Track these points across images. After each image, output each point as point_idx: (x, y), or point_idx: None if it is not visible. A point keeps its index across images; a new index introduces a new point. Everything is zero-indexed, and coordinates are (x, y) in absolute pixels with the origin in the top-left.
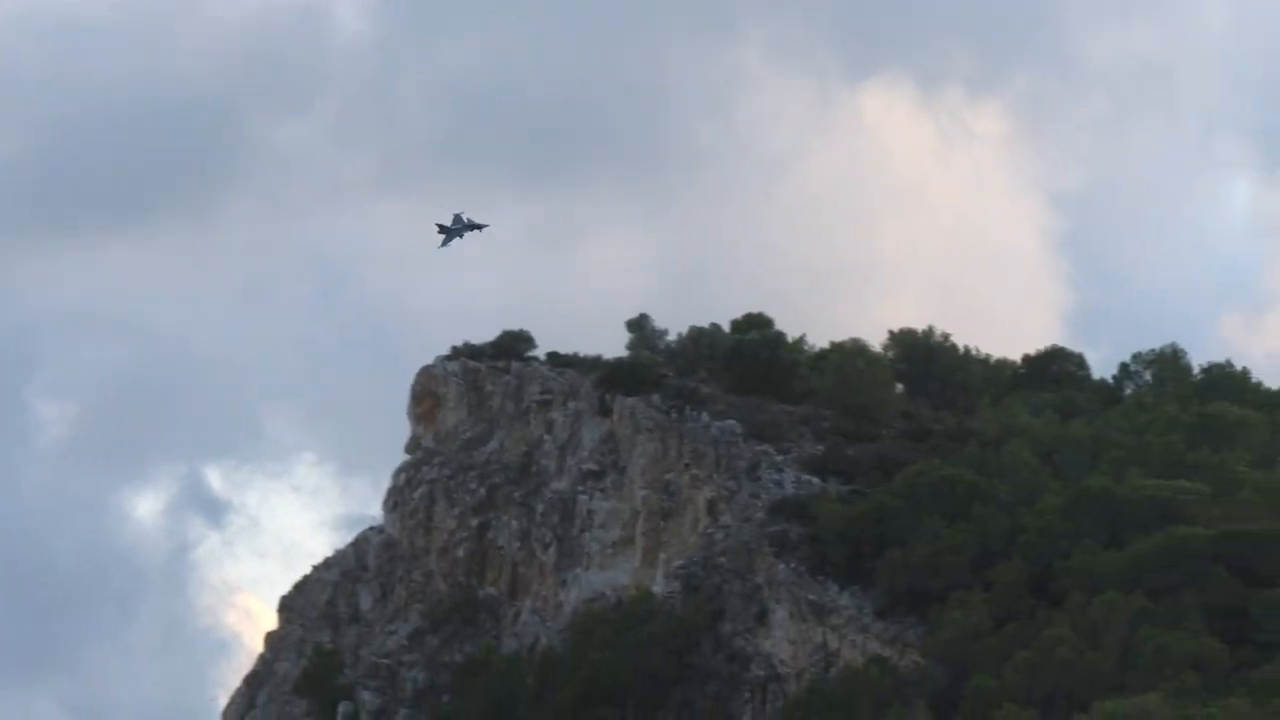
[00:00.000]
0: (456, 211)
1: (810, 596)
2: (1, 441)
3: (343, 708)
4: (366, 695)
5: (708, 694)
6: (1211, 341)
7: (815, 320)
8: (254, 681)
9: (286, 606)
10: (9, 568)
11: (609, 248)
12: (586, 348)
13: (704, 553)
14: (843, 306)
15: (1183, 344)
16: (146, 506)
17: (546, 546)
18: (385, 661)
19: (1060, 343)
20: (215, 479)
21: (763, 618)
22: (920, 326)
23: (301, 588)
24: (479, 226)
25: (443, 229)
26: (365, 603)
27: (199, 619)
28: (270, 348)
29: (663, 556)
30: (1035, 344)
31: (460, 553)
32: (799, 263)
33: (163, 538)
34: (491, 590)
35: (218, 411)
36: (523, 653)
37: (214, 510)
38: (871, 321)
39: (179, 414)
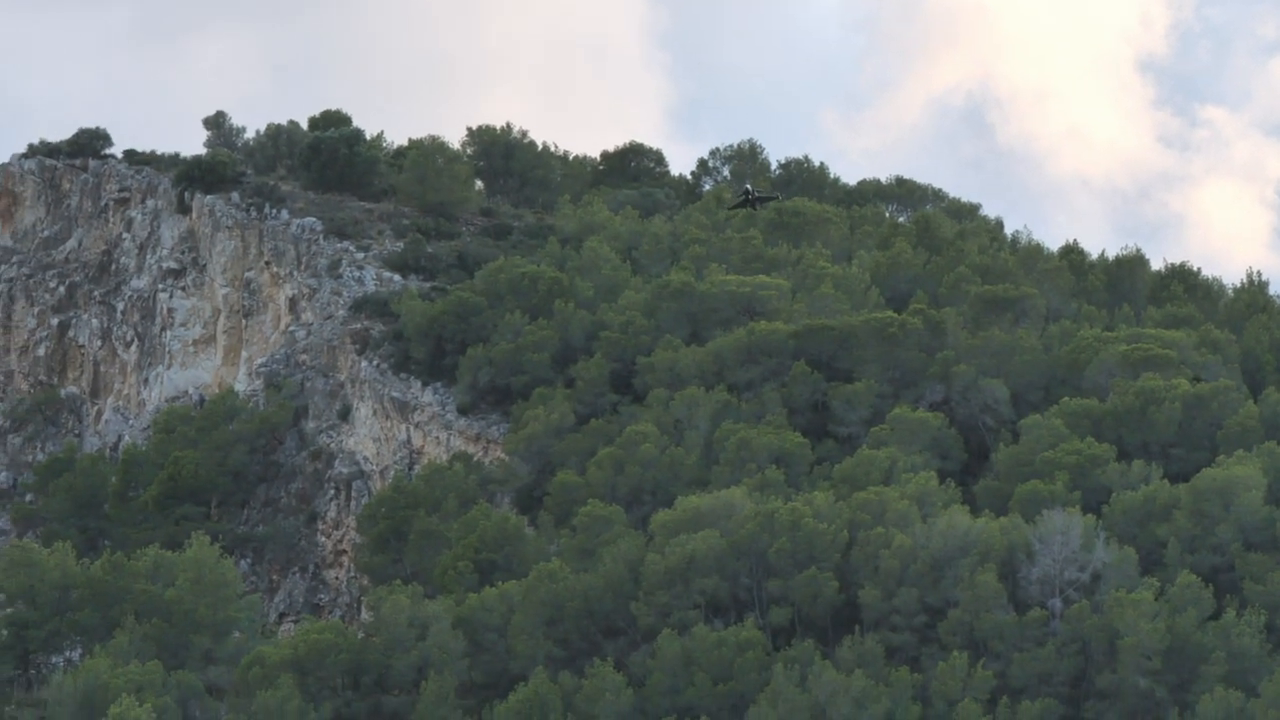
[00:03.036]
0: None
1: (393, 394)
2: None
3: None
4: None
5: (292, 491)
6: (810, 137)
7: (420, 116)
8: None
9: None
10: None
11: (211, 42)
12: (176, 145)
13: (286, 350)
14: (445, 102)
15: (784, 139)
16: None
17: (128, 345)
18: None
19: (664, 138)
20: None
21: (346, 415)
22: (499, 124)
23: None
24: (769, 198)
25: (746, 199)
26: None
27: None
28: None
29: (245, 354)
30: (638, 138)
31: (41, 351)
32: (401, 61)
33: None
34: (73, 389)
35: None
36: (106, 451)
37: None
38: (480, 115)
39: None
